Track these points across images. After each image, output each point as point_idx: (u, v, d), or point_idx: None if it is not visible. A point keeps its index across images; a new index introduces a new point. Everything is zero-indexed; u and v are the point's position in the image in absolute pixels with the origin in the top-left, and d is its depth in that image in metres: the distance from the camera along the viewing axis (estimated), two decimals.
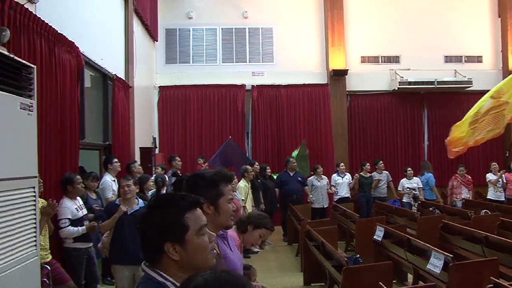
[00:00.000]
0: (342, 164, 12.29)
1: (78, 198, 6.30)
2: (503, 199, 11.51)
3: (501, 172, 11.63)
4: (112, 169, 8.07)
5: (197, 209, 1.91)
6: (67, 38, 6.50)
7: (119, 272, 5.58)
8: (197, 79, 13.91)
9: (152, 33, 12.98)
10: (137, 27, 11.21)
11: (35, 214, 3.95)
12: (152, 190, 8.11)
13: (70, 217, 5.98)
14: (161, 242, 1.82)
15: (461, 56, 14.62)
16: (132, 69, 10.52)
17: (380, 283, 4.34)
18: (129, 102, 10.21)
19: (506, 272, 5.90)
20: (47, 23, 5.83)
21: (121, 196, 5.87)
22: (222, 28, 14.32)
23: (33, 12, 5.53)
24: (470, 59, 14.64)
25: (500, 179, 11.55)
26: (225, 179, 2.64)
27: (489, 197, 11.72)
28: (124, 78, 10.01)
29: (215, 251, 2.00)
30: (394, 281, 6.26)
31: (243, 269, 3.91)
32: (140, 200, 5.92)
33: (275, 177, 12.03)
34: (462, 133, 10.30)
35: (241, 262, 2.97)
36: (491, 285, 4.28)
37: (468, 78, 13.77)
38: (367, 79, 14.21)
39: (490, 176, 11.71)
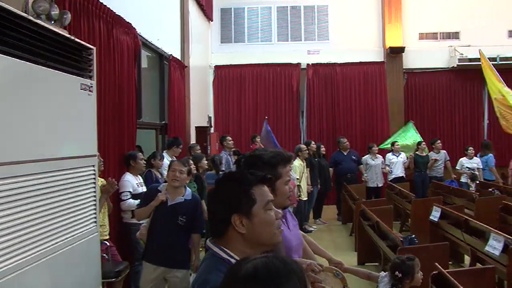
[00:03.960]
0: (397, 143, 12.08)
1: (138, 175, 6.48)
2: None
3: None
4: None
5: (264, 185, 1.94)
6: (124, 19, 6.62)
7: (146, 270, 4.88)
8: (252, 58, 13.90)
9: (207, 13, 13.05)
10: (192, 7, 11.29)
11: (95, 191, 4.07)
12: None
13: (131, 190, 6.16)
14: (228, 214, 1.84)
15: None
16: (188, 49, 10.62)
17: (436, 264, 4.30)
18: (185, 81, 10.33)
19: None
20: (105, 5, 5.94)
21: (167, 181, 5.01)
22: (277, 7, 14.22)
23: None
24: None
25: None
26: (284, 161, 2.64)
27: None
28: (179, 58, 10.12)
29: (281, 228, 2.02)
30: (450, 263, 6.18)
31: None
32: (188, 190, 5.00)
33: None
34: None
35: (298, 242, 2.97)
36: None
37: None
38: (425, 56, 13.85)
39: None
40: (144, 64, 8.49)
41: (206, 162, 8.19)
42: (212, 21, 13.89)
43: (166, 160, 7.60)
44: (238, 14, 14.30)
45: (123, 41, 6.58)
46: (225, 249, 1.85)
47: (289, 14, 14.23)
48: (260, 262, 1.41)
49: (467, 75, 13.80)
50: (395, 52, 13.64)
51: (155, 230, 4.84)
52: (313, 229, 10.43)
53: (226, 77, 14.04)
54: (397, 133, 12.96)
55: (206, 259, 1.91)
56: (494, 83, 10.66)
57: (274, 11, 14.24)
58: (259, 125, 13.53)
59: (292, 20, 14.23)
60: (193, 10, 11.38)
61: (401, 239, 5.76)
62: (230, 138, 10.53)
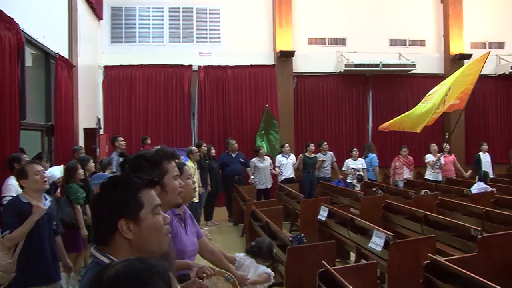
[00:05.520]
0: (286, 144, 12.39)
1: None
2: (440, 180, 11.86)
3: (438, 155, 11.86)
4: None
5: (151, 189, 1.89)
6: (5, 14, 6.28)
7: None
8: (143, 59, 13.68)
9: (96, 11, 12.67)
10: (81, 4, 10.91)
11: None
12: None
13: (14, 195, 5.82)
14: (114, 219, 1.77)
15: (405, 40, 14.88)
16: (76, 48, 10.27)
17: (323, 261, 4.44)
18: (73, 81, 9.98)
19: (442, 249, 6.16)
20: None
21: (34, 187, 4.42)
22: (169, 8, 14.09)
23: None
24: (414, 42, 14.96)
25: (437, 161, 11.83)
26: (167, 156, 2.64)
27: (427, 177, 12.05)
28: (67, 57, 9.76)
29: (178, 232, 2.00)
30: (337, 260, 6.41)
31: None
32: (44, 195, 4.63)
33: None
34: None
35: (194, 248, 2.97)
36: (428, 261, 4.46)
37: (412, 62, 14.07)
38: (313, 60, 14.32)
39: (428, 158, 11.99)
40: (28, 62, 8.10)
41: (94, 164, 7.96)
42: (102, 20, 13.51)
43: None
44: (129, 13, 14.01)
45: (4, 37, 6.24)
46: (111, 257, 1.76)
47: (181, 16, 14.14)
48: (121, 266, 1.39)
49: (353, 79, 14.52)
50: (285, 56, 13.95)
51: (40, 246, 4.29)
52: (204, 230, 10.41)
53: (116, 78, 13.70)
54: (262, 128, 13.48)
55: (90, 268, 1.80)
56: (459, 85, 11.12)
57: (166, 12, 14.11)
58: (150, 127, 13.44)
59: (184, 22, 14.16)
60: (82, 8, 11.00)
61: (290, 238, 5.90)
62: (122, 139, 10.41)
